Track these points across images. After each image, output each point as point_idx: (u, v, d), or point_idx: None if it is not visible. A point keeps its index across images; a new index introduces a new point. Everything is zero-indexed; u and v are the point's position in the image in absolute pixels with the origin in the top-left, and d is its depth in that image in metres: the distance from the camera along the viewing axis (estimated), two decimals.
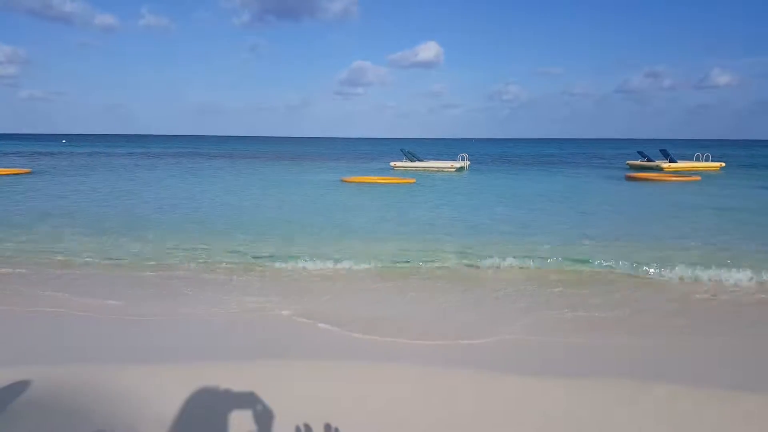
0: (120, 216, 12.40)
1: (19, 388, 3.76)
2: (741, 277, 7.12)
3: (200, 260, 8.13)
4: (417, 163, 31.12)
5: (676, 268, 7.42)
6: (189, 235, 10.19)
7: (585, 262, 8.03)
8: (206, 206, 14.57)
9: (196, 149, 65.61)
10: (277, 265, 7.89)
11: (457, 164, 30.72)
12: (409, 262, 8.12)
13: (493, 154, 58.09)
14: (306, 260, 8.02)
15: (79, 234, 10.13)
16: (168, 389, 3.82)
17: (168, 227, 11.12)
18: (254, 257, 8.34)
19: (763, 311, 6.07)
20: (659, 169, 28.75)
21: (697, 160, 31.77)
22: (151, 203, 14.94)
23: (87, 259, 8.08)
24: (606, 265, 7.81)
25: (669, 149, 37.00)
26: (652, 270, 7.47)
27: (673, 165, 29.39)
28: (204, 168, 31.55)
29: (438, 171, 29.65)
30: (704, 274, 7.25)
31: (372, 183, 22.05)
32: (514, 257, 8.18)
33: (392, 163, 31.97)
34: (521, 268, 7.78)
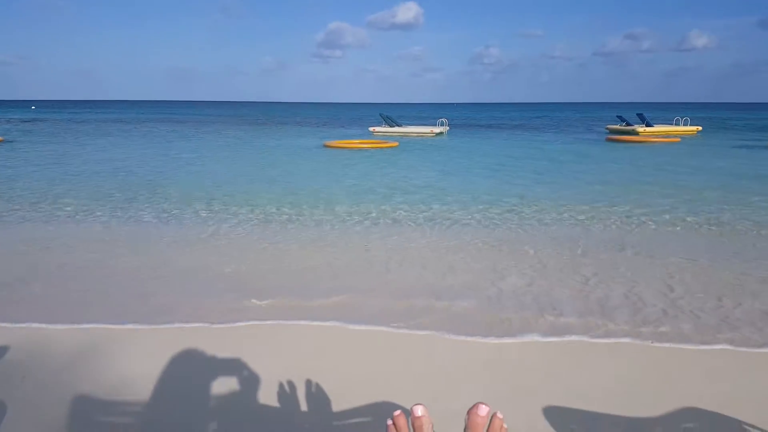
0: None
1: None
2: None
3: (175, 215, 7.97)
4: (396, 129, 30.76)
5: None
6: (165, 191, 9.96)
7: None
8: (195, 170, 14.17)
9: (169, 115, 63.59)
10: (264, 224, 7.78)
11: (437, 129, 30.57)
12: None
13: (475, 118, 57.77)
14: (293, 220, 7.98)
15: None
16: (150, 350, 3.75)
17: (142, 188, 10.83)
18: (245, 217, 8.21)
19: None
20: (635, 134, 28.91)
21: (677, 124, 31.98)
22: (136, 168, 14.44)
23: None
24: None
25: (648, 113, 37.24)
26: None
27: (648, 129, 29.57)
28: (179, 133, 30.68)
29: (418, 136, 29.46)
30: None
31: (356, 148, 21.83)
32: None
33: (371, 129, 31.55)
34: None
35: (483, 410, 0.70)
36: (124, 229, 7.86)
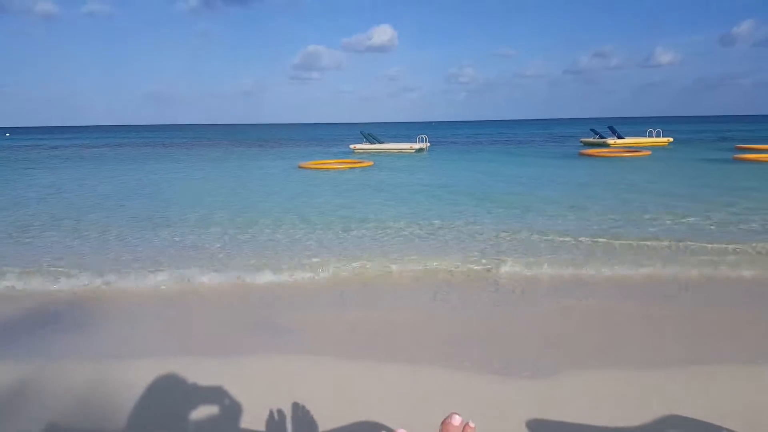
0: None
1: None
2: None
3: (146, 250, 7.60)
4: (377, 146, 31.01)
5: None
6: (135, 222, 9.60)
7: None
8: (163, 198, 13.79)
9: (144, 139, 62.75)
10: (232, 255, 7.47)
11: (417, 146, 30.84)
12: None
13: (453, 136, 58.33)
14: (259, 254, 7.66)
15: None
16: (129, 382, 3.56)
17: (111, 219, 10.43)
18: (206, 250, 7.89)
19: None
20: (606, 146, 29.45)
21: (650, 135, 32.83)
22: (104, 195, 14.02)
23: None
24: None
25: (622, 126, 38.27)
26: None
27: (619, 141, 30.24)
28: (152, 158, 30.11)
29: (398, 153, 29.61)
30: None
31: (330, 169, 21.58)
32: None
33: (352, 146, 31.84)
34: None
35: (456, 420, 0.73)
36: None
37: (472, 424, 0.75)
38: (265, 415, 2.96)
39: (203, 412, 3.18)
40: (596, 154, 26.13)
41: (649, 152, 25.72)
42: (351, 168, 21.38)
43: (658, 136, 32.68)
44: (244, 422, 3.03)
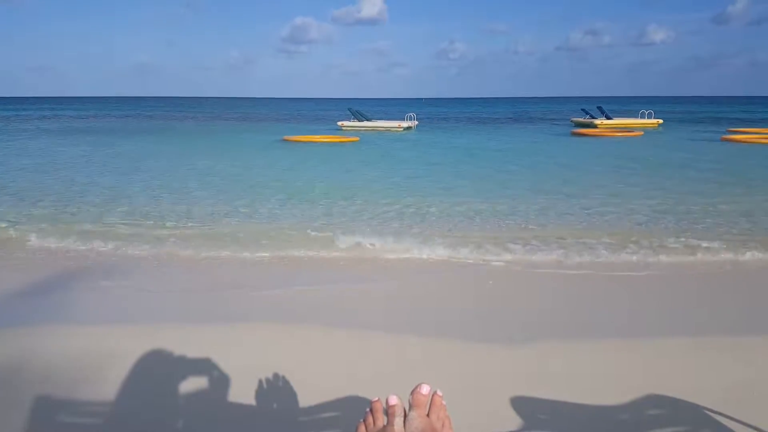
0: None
1: None
2: None
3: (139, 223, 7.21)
4: (365, 123, 30.58)
5: None
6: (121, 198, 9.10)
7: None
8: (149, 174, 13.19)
9: (131, 111, 61.15)
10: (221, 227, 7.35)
11: (405, 124, 30.40)
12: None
13: (442, 113, 57.63)
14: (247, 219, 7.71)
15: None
16: (118, 350, 3.51)
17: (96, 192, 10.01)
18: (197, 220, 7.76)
19: None
20: (594, 126, 29.26)
21: (642, 117, 32.70)
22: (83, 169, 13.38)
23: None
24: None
25: (615, 106, 38.04)
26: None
27: (606, 121, 30.04)
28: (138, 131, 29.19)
29: (386, 130, 29.19)
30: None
31: (315, 142, 21.30)
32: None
33: (339, 123, 31.43)
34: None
35: (424, 389, 0.79)
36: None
37: (440, 393, 0.80)
38: (255, 384, 2.95)
39: (192, 382, 3.16)
40: (589, 133, 26.06)
41: (641, 133, 25.66)
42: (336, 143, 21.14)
43: (649, 117, 32.55)
44: (232, 391, 3.01)
